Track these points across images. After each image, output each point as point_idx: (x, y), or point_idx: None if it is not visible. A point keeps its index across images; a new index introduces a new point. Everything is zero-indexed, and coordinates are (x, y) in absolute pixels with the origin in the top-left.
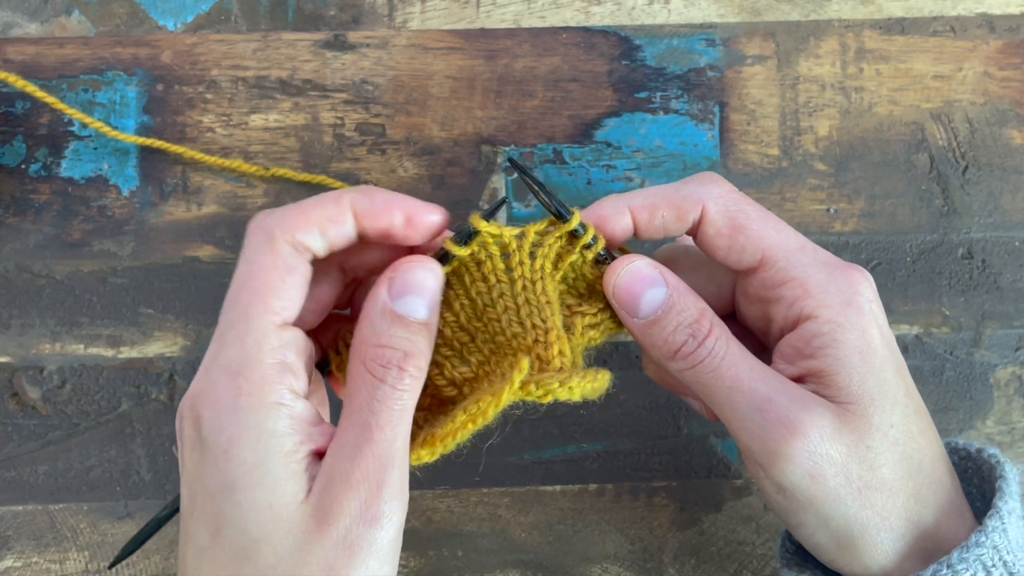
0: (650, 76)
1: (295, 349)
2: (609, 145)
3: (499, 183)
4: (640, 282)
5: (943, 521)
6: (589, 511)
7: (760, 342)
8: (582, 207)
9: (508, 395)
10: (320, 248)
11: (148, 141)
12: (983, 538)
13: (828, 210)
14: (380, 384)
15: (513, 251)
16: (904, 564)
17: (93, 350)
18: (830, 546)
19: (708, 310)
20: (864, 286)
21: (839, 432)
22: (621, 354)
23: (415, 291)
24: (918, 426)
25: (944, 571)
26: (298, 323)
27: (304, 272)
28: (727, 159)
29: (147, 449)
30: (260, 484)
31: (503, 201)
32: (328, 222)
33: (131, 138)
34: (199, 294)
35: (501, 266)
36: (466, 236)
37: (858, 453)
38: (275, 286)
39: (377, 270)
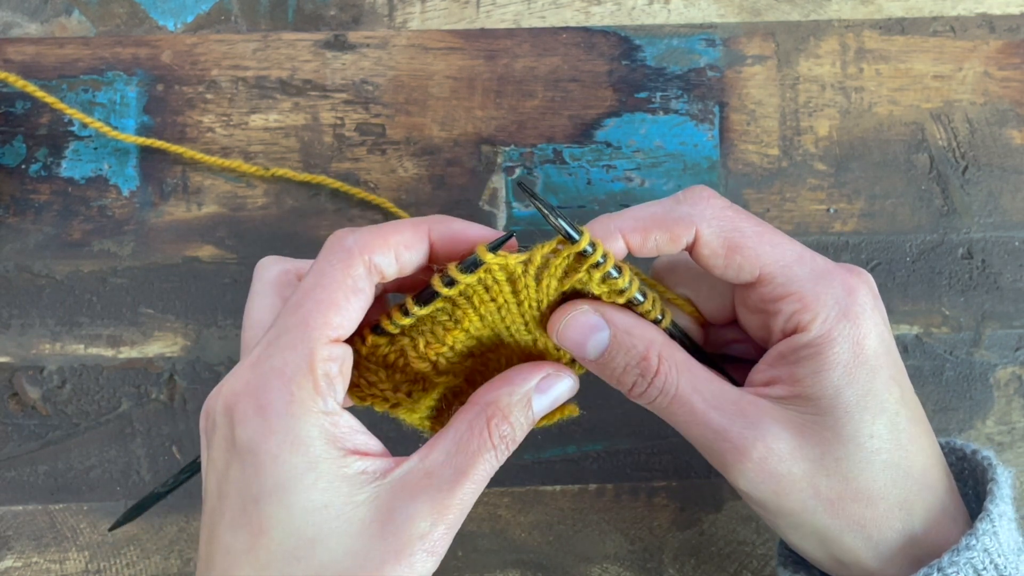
0: (650, 76)
1: (339, 362)
2: (609, 145)
3: (499, 183)
4: (580, 330)
5: (933, 527)
6: (589, 511)
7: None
8: (582, 207)
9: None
10: (392, 272)
11: (148, 141)
12: (973, 541)
13: (828, 210)
14: (492, 448)
15: (519, 276)
16: (888, 569)
17: (93, 350)
18: (808, 548)
19: (656, 345)
20: (862, 293)
21: (800, 448)
22: None
23: (553, 396)
24: (908, 434)
25: (934, 575)
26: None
27: (369, 296)
28: (727, 159)
29: (147, 449)
30: (314, 487)
31: (510, 235)
32: (404, 248)
33: (131, 138)
34: (199, 294)
35: (508, 289)
36: (471, 265)
37: (825, 466)
38: (339, 303)
39: (407, 288)
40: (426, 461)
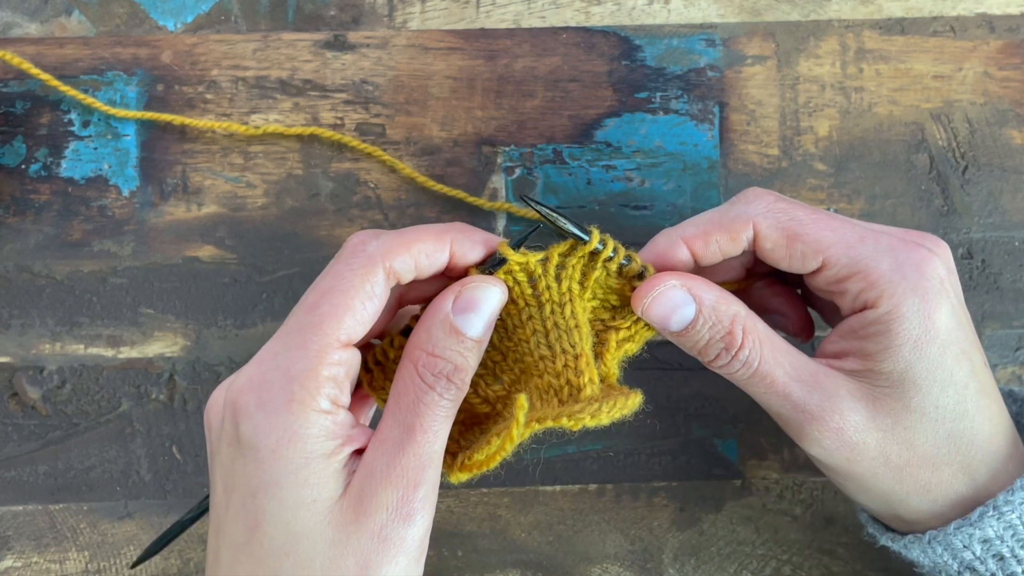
0: (650, 76)
1: (347, 366)
2: (609, 145)
3: (499, 183)
4: (667, 305)
5: (995, 486)
6: (589, 511)
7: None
8: (582, 207)
9: (516, 432)
10: (409, 277)
11: (149, 115)
12: None
13: (828, 210)
14: (429, 390)
15: (539, 276)
16: (949, 521)
17: (93, 350)
18: (874, 506)
19: (740, 317)
20: (932, 266)
21: (873, 420)
22: None
23: (476, 308)
24: (976, 404)
25: (990, 512)
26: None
27: (384, 302)
28: (727, 159)
29: (147, 449)
30: (305, 483)
31: (535, 228)
32: (425, 256)
33: (132, 113)
34: (199, 294)
35: (529, 291)
36: (493, 264)
37: (895, 435)
38: (354, 308)
39: (426, 298)
40: (379, 433)
